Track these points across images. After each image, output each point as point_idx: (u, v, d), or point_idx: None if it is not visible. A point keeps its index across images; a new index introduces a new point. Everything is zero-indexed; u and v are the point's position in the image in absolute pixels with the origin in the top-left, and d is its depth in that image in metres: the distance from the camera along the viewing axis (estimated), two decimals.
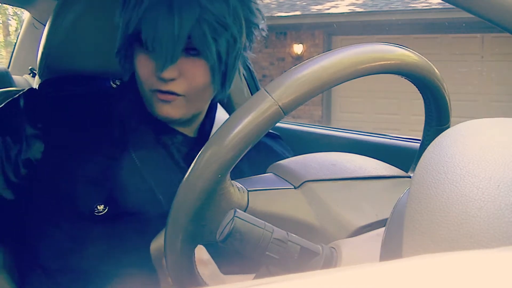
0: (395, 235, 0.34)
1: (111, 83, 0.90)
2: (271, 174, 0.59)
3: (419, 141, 0.64)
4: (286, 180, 0.57)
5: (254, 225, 0.46)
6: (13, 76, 1.77)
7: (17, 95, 0.78)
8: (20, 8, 2.02)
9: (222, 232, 0.47)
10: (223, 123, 0.47)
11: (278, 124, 0.55)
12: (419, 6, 6.19)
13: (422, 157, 0.32)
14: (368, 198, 0.56)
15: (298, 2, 7.16)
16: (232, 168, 0.47)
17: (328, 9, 6.82)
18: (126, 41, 0.73)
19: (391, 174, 0.60)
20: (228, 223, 0.46)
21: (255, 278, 0.57)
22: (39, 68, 0.90)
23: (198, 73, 0.71)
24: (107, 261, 0.70)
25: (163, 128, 0.78)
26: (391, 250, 0.34)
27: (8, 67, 1.98)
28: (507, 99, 5.86)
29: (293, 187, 0.56)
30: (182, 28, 0.67)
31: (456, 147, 0.31)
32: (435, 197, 0.28)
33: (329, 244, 0.50)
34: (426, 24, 5.97)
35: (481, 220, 0.26)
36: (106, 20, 0.88)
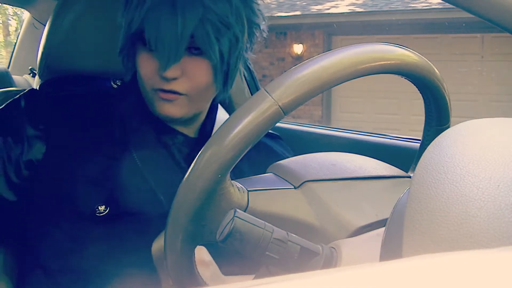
0: (395, 235, 0.34)
1: (112, 83, 0.90)
2: (271, 174, 0.59)
3: (419, 141, 0.64)
4: (286, 180, 0.57)
5: (254, 225, 0.46)
6: (13, 76, 1.77)
7: (18, 95, 0.78)
8: (20, 8, 2.01)
9: (222, 232, 0.47)
10: (223, 123, 0.47)
11: (278, 124, 0.55)
12: (419, 6, 6.19)
13: (422, 157, 0.32)
14: (368, 198, 0.56)
15: (298, 2, 7.16)
16: (232, 168, 0.47)
17: (328, 9, 6.82)
18: (128, 40, 0.73)
19: (391, 174, 0.60)
20: (228, 223, 0.46)
21: (255, 278, 0.57)
22: (39, 68, 0.90)
23: (200, 73, 0.71)
24: (108, 262, 0.70)
25: (164, 128, 0.78)
26: (391, 250, 0.34)
27: (8, 67, 1.98)
28: (507, 99, 5.86)
29: (293, 187, 0.56)
30: (185, 28, 0.67)
31: (456, 147, 0.31)
32: (435, 197, 0.28)
33: (329, 244, 0.50)
34: (426, 24, 5.97)
35: (481, 220, 0.26)
36: (106, 20, 0.88)
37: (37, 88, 0.89)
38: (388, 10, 6.40)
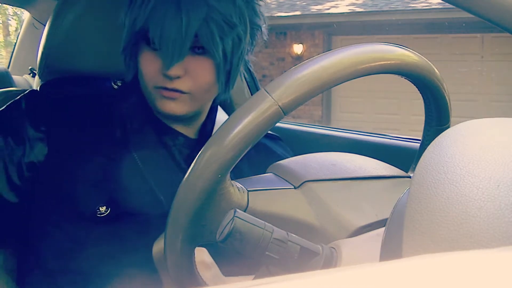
0: (395, 235, 0.34)
1: (112, 84, 0.90)
2: (271, 174, 0.59)
3: (419, 141, 0.64)
4: (286, 180, 0.57)
5: (254, 225, 0.46)
6: (13, 76, 1.77)
7: (18, 97, 0.78)
8: (20, 8, 2.01)
9: (222, 232, 0.47)
10: (223, 123, 0.47)
11: (278, 124, 0.56)
12: (419, 6, 6.19)
13: (422, 157, 0.32)
14: (368, 198, 0.56)
15: (298, 2, 7.16)
16: (232, 168, 0.47)
17: (328, 9, 6.82)
18: (132, 38, 0.73)
19: (391, 174, 0.60)
20: (228, 223, 0.46)
21: (255, 278, 0.57)
22: (39, 68, 0.90)
23: (203, 72, 0.72)
24: (108, 262, 0.70)
25: (165, 129, 0.79)
26: (391, 250, 0.34)
27: (8, 67, 1.98)
28: (507, 99, 5.86)
29: (293, 187, 0.56)
30: (189, 26, 0.67)
31: (456, 147, 0.31)
32: (435, 197, 0.28)
33: (329, 244, 0.50)
34: (426, 24, 5.97)
35: (481, 220, 0.26)
36: (106, 20, 0.88)
37: (38, 89, 0.89)
38: (388, 10, 6.40)
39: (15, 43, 2.04)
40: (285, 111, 0.46)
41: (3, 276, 0.77)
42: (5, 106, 0.77)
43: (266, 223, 0.47)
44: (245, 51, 0.75)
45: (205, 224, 0.50)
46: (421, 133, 0.63)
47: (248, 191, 0.53)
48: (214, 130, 0.82)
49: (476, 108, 5.90)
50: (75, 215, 0.71)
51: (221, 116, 0.88)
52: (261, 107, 0.45)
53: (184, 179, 0.48)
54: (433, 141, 0.33)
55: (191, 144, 0.80)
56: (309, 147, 0.76)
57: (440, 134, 0.34)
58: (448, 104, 0.58)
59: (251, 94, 1.29)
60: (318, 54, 0.48)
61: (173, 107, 0.72)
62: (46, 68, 0.89)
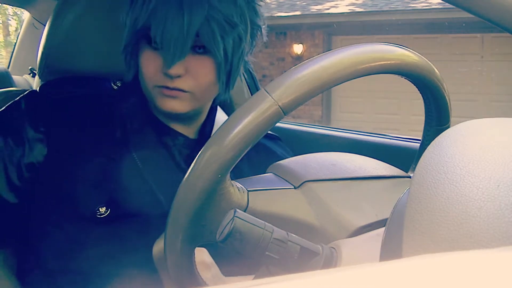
0: (395, 235, 0.34)
1: (112, 84, 0.90)
2: (271, 174, 0.59)
3: (419, 141, 0.64)
4: (286, 180, 0.57)
5: (254, 225, 0.46)
6: (13, 76, 1.77)
7: (18, 97, 0.78)
8: (20, 8, 2.01)
9: (222, 232, 0.47)
10: (223, 123, 0.47)
11: (278, 124, 0.55)
12: (419, 6, 6.19)
13: (422, 157, 0.32)
14: (368, 198, 0.56)
15: (298, 2, 7.16)
16: (232, 168, 0.47)
17: (328, 9, 6.82)
18: (133, 37, 0.73)
19: (391, 174, 0.60)
20: (228, 223, 0.46)
21: (255, 278, 0.57)
22: (39, 68, 0.90)
23: (204, 71, 0.72)
24: (109, 262, 0.70)
25: (165, 129, 0.79)
26: (391, 250, 0.34)
27: (8, 67, 1.98)
28: (507, 99, 5.86)
29: (293, 187, 0.56)
30: (191, 25, 0.67)
31: (456, 147, 0.31)
32: (435, 197, 0.28)
33: (329, 244, 0.50)
34: (426, 24, 5.97)
35: (481, 220, 0.26)
36: (106, 20, 0.88)
37: (37, 90, 0.89)
38: (388, 10, 6.40)
39: (15, 43, 2.04)
40: (285, 111, 0.46)
41: (5, 275, 0.77)
42: (5, 106, 0.77)
43: (266, 223, 0.47)
44: (245, 51, 0.75)
45: (205, 224, 0.50)
46: (421, 133, 0.63)
47: (248, 191, 0.53)
48: (214, 131, 0.82)
49: (476, 108, 5.90)
50: (75, 215, 0.71)
51: (220, 116, 0.88)
52: (261, 107, 0.45)
53: (184, 179, 0.48)
54: (433, 141, 0.33)
55: (191, 144, 0.80)
56: (309, 147, 0.76)
57: (440, 134, 0.34)
58: (448, 104, 0.58)
59: (251, 94, 1.29)
60: (318, 54, 0.48)
61: (174, 105, 0.72)
62: (46, 68, 0.89)
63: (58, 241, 0.72)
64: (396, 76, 0.53)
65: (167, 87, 0.71)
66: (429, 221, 0.27)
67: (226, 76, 0.74)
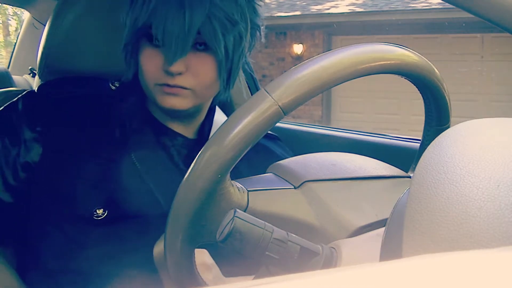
0: (395, 235, 0.34)
1: (110, 84, 0.90)
2: (271, 174, 0.59)
3: (419, 141, 0.64)
4: (286, 180, 0.57)
5: (254, 225, 0.46)
6: (13, 76, 1.77)
7: (16, 98, 0.78)
8: (20, 8, 2.01)
9: (222, 232, 0.47)
10: (223, 123, 0.47)
11: (277, 124, 0.55)
12: (419, 6, 6.19)
13: (422, 157, 0.32)
14: (368, 198, 0.56)
15: (298, 2, 7.16)
16: (232, 168, 0.47)
17: (328, 9, 6.82)
18: (133, 36, 0.73)
19: (391, 174, 0.60)
20: (228, 223, 0.46)
21: (255, 278, 0.57)
22: (39, 68, 0.90)
23: (205, 68, 0.72)
24: (108, 263, 0.70)
25: (164, 130, 0.79)
26: (391, 250, 0.34)
27: (8, 67, 1.98)
28: (507, 99, 5.86)
29: (293, 187, 0.56)
30: (192, 23, 0.68)
31: (456, 147, 0.31)
32: (435, 197, 0.28)
33: (329, 244, 0.50)
34: (426, 24, 5.97)
35: (481, 220, 0.26)
36: (106, 20, 0.88)
37: (36, 90, 0.89)
38: (388, 10, 6.40)
39: (15, 43, 2.04)
40: (285, 111, 0.46)
41: (8, 273, 0.77)
42: (2, 107, 0.77)
43: (266, 223, 0.47)
44: (245, 50, 0.76)
45: (205, 224, 0.50)
46: (421, 133, 0.63)
47: (248, 191, 0.53)
48: (212, 131, 0.82)
49: (476, 108, 5.90)
50: (73, 216, 0.71)
51: (219, 116, 0.88)
52: (261, 107, 0.45)
53: (184, 179, 0.48)
54: (433, 141, 0.33)
55: (189, 145, 0.80)
56: (309, 147, 0.76)
57: (440, 134, 0.34)
58: (448, 104, 0.58)
59: (251, 94, 1.29)
60: (318, 54, 0.48)
61: (174, 102, 0.72)
62: (46, 68, 0.89)
63: (57, 241, 0.72)
64: (396, 76, 0.53)
65: (168, 85, 0.71)
66: (429, 221, 0.27)
67: (227, 74, 0.75)
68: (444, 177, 0.28)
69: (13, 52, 2.04)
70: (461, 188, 0.27)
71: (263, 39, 0.80)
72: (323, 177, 0.56)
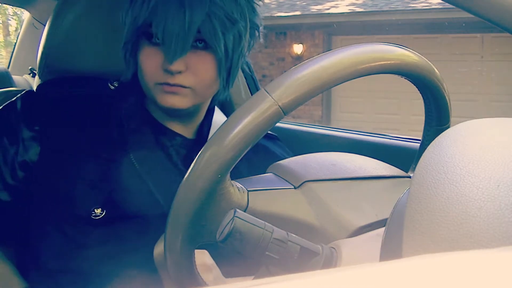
0: (395, 235, 0.34)
1: (109, 84, 0.90)
2: (271, 174, 0.59)
3: (419, 141, 0.64)
4: (286, 180, 0.57)
5: (254, 225, 0.46)
6: (13, 76, 1.77)
7: (15, 97, 0.78)
8: (20, 8, 2.01)
9: (222, 232, 0.47)
10: (223, 123, 0.47)
11: (278, 124, 0.55)
12: (419, 6, 6.19)
13: (422, 157, 0.32)
14: (368, 198, 0.56)
15: (298, 2, 7.16)
16: (232, 168, 0.47)
17: (328, 9, 6.82)
18: (133, 35, 0.73)
19: (391, 174, 0.60)
20: (228, 223, 0.46)
21: (255, 278, 0.57)
22: (39, 68, 0.90)
23: (205, 67, 0.72)
24: (108, 263, 0.70)
25: (162, 130, 0.79)
26: (391, 250, 0.34)
27: (8, 67, 1.98)
28: (507, 99, 5.86)
29: (293, 187, 0.56)
30: (192, 21, 0.68)
31: (456, 147, 0.31)
32: (435, 197, 0.28)
33: (329, 244, 0.50)
34: (426, 24, 5.97)
35: (481, 220, 0.26)
36: (106, 20, 0.88)
37: (34, 90, 0.89)
38: (388, 10, 6.40)
39: (15, 43, 2.04)
40: (285, 111, 0.46)
41: (11, 271, 0.77)
42: (1, 106, 0.77)
43: (266, 223, 0.47)
44: (244, 49, 0.76)
45: (205, 224, 0.50)
46: (421, 133, 0.63)
47: (248, 191, 0.53)
48: (211, 131, 0.82)
49: (476, 108, 5.90)
50: (71, 216, 0.71)
51: (218, 117, 0.88)
52: (261, 107, 0.45)
53: (184, 179, 0.48)
54: (433, 141, 0.33)
55: (188, 145, 0.80)
56: (309, 147, 0.76)
57: (440, 134, 0.34)
58: (448, 104, 0.58)
59: (251, 94, 1.29)
60: (318, 54, 0.48)
61: (174, 101, 0.72)
62: (46, 68, 0.89)
63: (57, 241, 0.72)
64: (396, 76, 0.53)
65: (168, 84, 0.71)
66: (429, 221, 0.27)
67: (227, 73, 0.75)
68: (444, 177, 0.28)
69: (13, 52, 2.04)
70: (461, 188, 0.27)
71: (261, 40, 0.80)
72: (323, 177, 0.56)
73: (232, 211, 0.47)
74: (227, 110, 1.15)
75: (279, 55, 7.01)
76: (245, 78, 1.32)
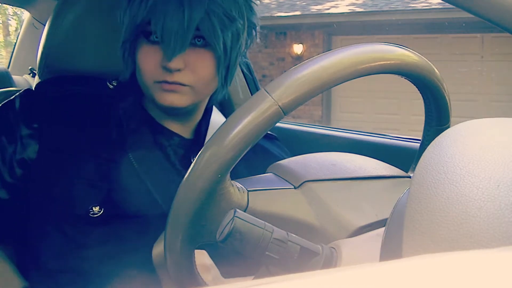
0: (395, 235, 0.34)
1: (108, 84, 0.90)
2: (271, 174, 0.59)
3: (419, 141, 0.64)
4: (286, 180, 0.57)
5: (254, 225, 0.46)
6: (13, 76, 1.77)
7: (13, 96, 0.78)
8: (20, 8, 2.01)
9: (222, 232, 0.47)
10: (223, 123, 0.47)
11: (277, 124, 0.55)
12: (419, 6, 6.19)
13: (422, 157, 0.32)
14: (368, 198, 0.56)
15: (298, 2, 7.16)
16: (232, 168, 0.47)
17: (328, 9, 6.82)
18: (132, 33, 0.73)
19: (391, 174, 0.60)
20: (228, 223, 0.46)
21: (255, 278, 0.57)
22: (39, 68, 0.90)
23: (203, 64, 0.72)
24: (107, 262, 0.70)
25: (160, 129, 0.79)
26: (391, 250, 0.34)
27: (8, 67, 1.98)
28: (507, 99, 5.86)
29: (293, 187, 0.56)
30: (191, 19, 0.68)
31: (456, 147, 0.31)
32: (435, 197, 0.28)
33: (329, 244, 0.50)
34: (426, 24, 5.97)
35: (481, 220, 0.26)
36: (106, 20, 0.88)
37: (33, 88, 0.89)
38: (388, 10, 6.40)
39: (15, 43, 2.04)
40: (285, 111, 0.46)
41: (10, 270, 0.77)
42: (0, 105, 0.77)
43: (266, 223, 0.47)
44: (242, 47, 0.76)
45: (205, 224, 0.50)
46: (421, 133, 0.63)
47: (248, 191, 0.53)
48: (209, 131, 0.83)
49: (476, 108, 5.90)
50: (69, 215, 0.71)
51: (216, 117, 0.88)
52: (261, 107, 0.45)
53: (184, 179, 0.48)
54: (433, 141, 0.33)
55: (186, 144, 0.80)
56: (309, 147, 0.76)
57: (440, 134, 0.34)
58: (448, 104, 0.58)
59: (251, 94, 1.29)
60: (318, 54, 0.48)
61: (173, 99, 0.72)
62: (46, 68, 0.89)
63: (56, 241, 0.72)
64: (396, 76, 0.53)
65: (167, 82, 0.71)
66: (429, 221, 0.27)
67: (225, 71, 0.75)
68: (444, 177, 0.28)
69: (13, 52, 2.04)
70: (461, 188, 0.27)
71: (258, 39, 0.80)
72: (323, 177, 0.56)
73: (232, 211, 0.47)
74: (227, 110, 1.15)
75: (279, 55, 7.01)
76: (245, 78, 1.32)
